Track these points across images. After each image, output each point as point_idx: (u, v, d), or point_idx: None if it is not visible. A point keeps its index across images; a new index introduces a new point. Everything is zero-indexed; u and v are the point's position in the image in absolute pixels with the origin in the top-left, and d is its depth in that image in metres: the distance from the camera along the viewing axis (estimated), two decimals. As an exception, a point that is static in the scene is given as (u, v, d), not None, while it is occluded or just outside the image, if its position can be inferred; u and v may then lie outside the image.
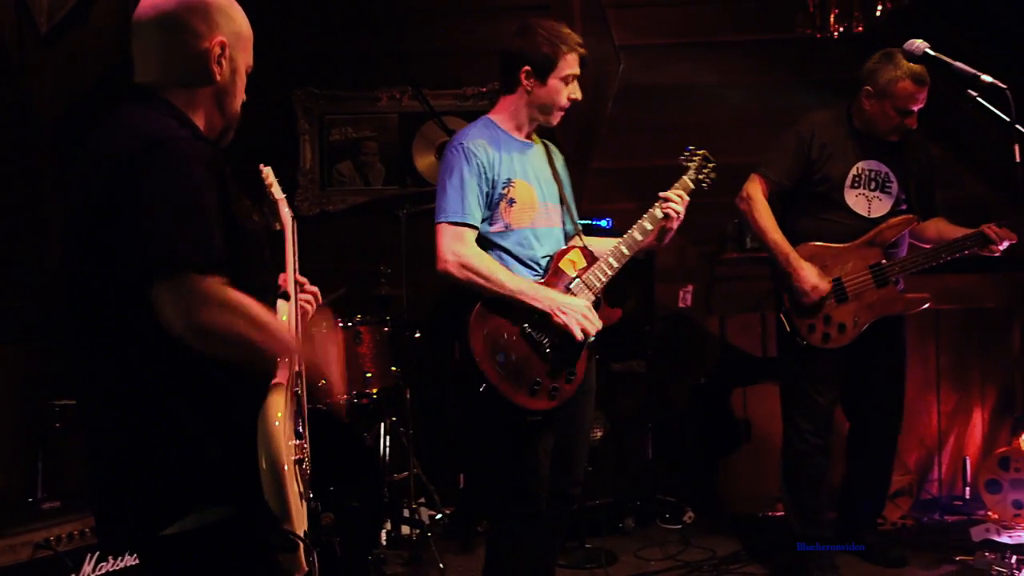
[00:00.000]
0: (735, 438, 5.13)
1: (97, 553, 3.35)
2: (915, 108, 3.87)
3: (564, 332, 3.17)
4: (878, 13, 4.66)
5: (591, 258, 3.37)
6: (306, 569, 1.94)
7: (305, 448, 2.07)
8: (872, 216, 4.04)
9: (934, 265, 4.04)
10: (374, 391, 4.43)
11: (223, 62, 2.02)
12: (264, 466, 1.78)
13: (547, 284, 3.26)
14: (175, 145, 1.82)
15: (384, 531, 4.62)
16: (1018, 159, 2.60)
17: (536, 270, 3.31)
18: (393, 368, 4.55)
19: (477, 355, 3.14)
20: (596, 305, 3.29)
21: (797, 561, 4.13)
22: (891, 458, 4.43)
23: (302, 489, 1.97)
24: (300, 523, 1.92)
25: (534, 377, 3.17)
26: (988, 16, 4.88)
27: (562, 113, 3.34)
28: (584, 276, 3.30)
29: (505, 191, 3.27)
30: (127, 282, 1.77)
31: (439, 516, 4.94)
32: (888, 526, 4.76)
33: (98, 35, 4.44)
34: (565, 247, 3.39)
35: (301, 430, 2.08)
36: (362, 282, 4.81)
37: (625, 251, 3.32)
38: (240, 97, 2.11)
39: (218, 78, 2.01)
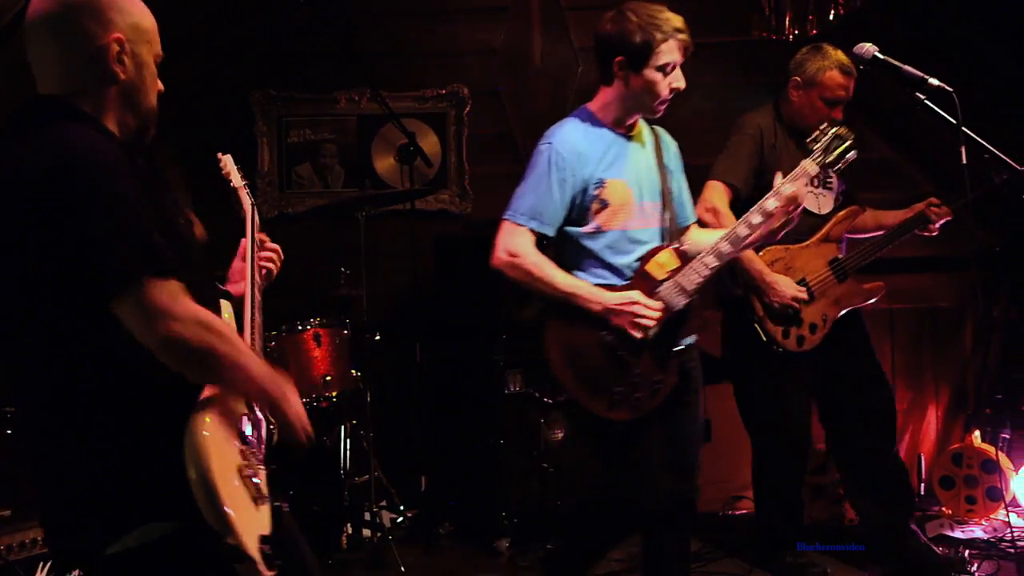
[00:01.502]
0: (696, 438, 5.14)
1: (50, 562, 3.31)
2: (842, 98, 3.88)
3: (646, 340, 2.98)
4: (831, 17, 4.73)
5: (684, 258, 3.10)
6: (268, 575, 1.85)
7: (258, 452, 2.03)
8: (822, 212, 4.08)
9: (884, 250, 4.05)
10: (334, 394, 4.43)
11: (124, 59, 1.92)
12: (193, 477, 1.72)
13: (632, 288, 3.04)
14: (88, 159, 1.75)
15: (345, 534, 4.59)
16: (964, 160, 2.63)
17: (626, 275, 3.09)
18: (353, 371, 4.55)
19: (554, 365, 3.03)
20: (689, 309, 3.07)
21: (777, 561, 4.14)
22: (897, 453, 4.36)
23: (255, 493, 1.92)
24: (250, 530, 1.83)
25: (612, 387, 2.98)
26: (936, 21, 4.95)
27: (664, 104, 3.09)
28: (675, 278, 3.05)
29: (597, 192, 3.06)
30: (61, 302, 1.74)
31: (400, 519, 4.93)
32: (846, 523, 4.78)
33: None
34: (655, 248, 3.12)
35: (252, 433, 2.02)
36: (321, 285, 4.81)
37: (726, 249, 3.04)
38: (153, 91, 2.02)
39: (122, 76, 1.92)
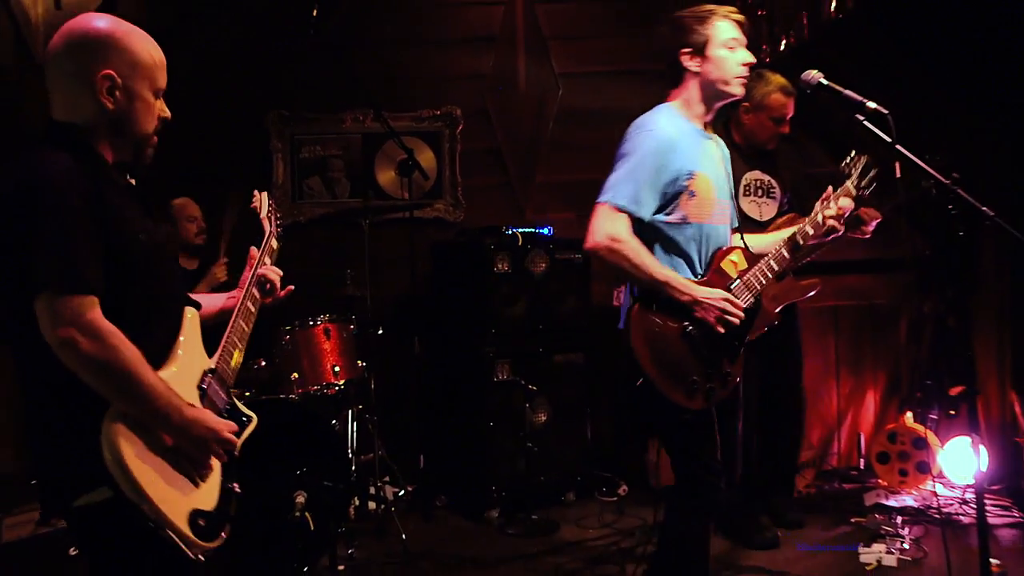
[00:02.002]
0: (663, 420, 5.17)
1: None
2: (786, 115, 4.09)
3: (721, 334, 2.83)
4: (782, 47, 4.81)
5: (752, 259, 2.98)
6: (192, 554, 1.91)
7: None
8: (763, 219, 4.18)
9: (819, 252, 4.09)
10: (342, 382, 4.42)
11: (116, 92, 1.97)
12: (108, 458, 1.81)
13: (707, 283, 2.89)
14: (42, 183, 1.84)
15: (352, 507, 4.62)
16: (898, 175, 2.68)
17: (697, 268, 2.93)
18: (359, 362, 4.54)
19: (637, 351, 2.81)
20: (755, 307, 2.94)
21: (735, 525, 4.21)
22: (799, 433, 4.52)
23: (191, 473, 1.97)
24: (177, 504, 1.89)
25: (691, 376, 2.81)
26: (873, 50, 5.04)
27: (741, 80, 2.91)
28: (745, 277, 2.93)
29: (687, 183, 2.87)
30: (16, 298, 1.85)
31: (401, 492, 4.96)
32: (796, 494, 4.84)
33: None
34: (727, 247, 2.99)
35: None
36: (330, 285, 4.80)
37: (786, 255, 2.96)
38: (147, 120, 2.05)
39: (110, 107, 1.97)
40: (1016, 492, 4.75)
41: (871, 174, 3.05)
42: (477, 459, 4.86)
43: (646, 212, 2.86)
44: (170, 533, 1.85)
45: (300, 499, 3.78)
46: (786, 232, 3.01)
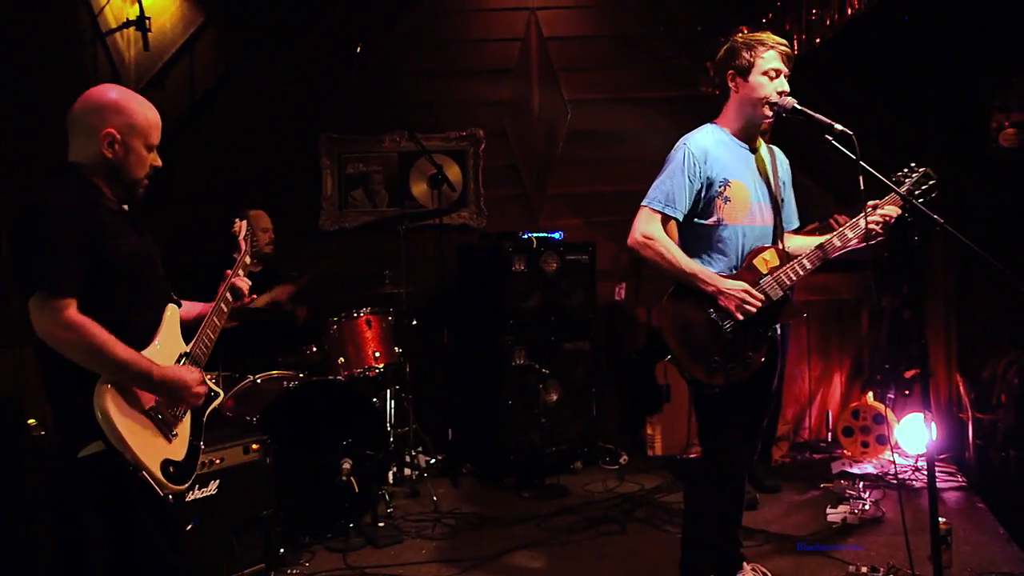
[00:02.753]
0: (658, 399, 5.15)
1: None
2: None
3: (746, 321, 2.79)
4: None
5: (785, 258, 2.91)
6: (161, 492, 2.15)
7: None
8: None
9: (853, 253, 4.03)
10: (381, 366, 4.44)
11: (115, 146, 2.23)
12: (99, 416, 2.06)
13: (738, 277, 2.85)
14: (43, 207, 2.09)
15: (391, 472, 4.66)
16: (862, 187, 2.65)
17: (732, 264, 2.89)
18: (396, 348, 4.56)
19: (666, 332, 2.84)
20: (783, 301, 2.87)
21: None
22: (776, 410, 4.50)
23: (164, 430, 2.21)
24: (152, 454, 2.14)
25: (712, 357, 2.79)
26: (836, 80, 5.05)
27: (769, 108, 2.83)
28: (775, 274, 2.86)
29: (722, 189, 2.86)
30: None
31: (432, 460, 4.98)
32: (773, 463, 4.86)
33: (169, 98, 4.45)
34: (761, 246, 2.92)
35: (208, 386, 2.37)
36: (371, 282, 4.83)
37: (823, 255, 2.88)
38: (138, 168, 2.28)
39: (109, 156, 2.23)
40: (961, 461, 4.73)
41: (930, 183, 2.85)
42: (497, 432, 4.86)
43: (679, 212, 2.87)
44: (144, 475, 2.11)
45: (346, 465, 3.82)
46: (823, 237, 2.91)
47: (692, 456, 4.98)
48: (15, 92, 3.62)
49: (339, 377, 4.22)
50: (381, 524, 4.01)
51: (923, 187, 2.85)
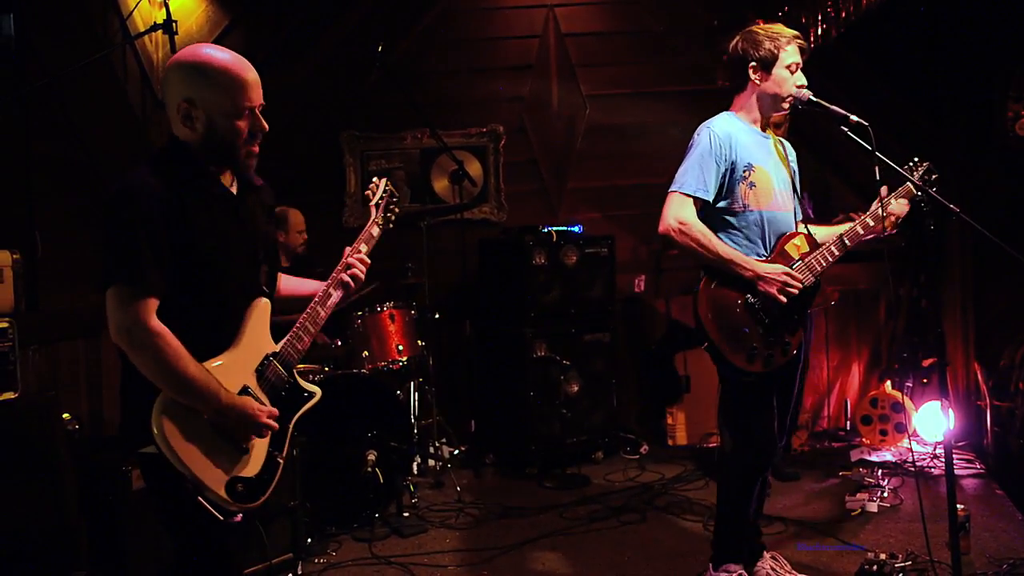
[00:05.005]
0: (678, 389, 5.15)
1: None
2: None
3: (782, 307, 2.74)
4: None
5: (814, 244, 2.88)
6: (222, 517, 1.87)
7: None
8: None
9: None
10: (405, 359, 4.43)
11: (193, 119, 1.90)
12: (155, 432, 1.81)
13: (771, 263, 2.80)
14: (125, 194, 1.84)
15: (415, 463, 4.67)
16: (878, 177, 2.64)
17: (763, 250, 2.85)
18: (419, 342, 4.56)
19: (703, 318, 2.77)
20: (815, 287, 2.84)
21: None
22: (798, 399, 4.43)
23: (234, 444, 1.91)
24: (214, 471, 1.86)
25: (751, 343, 2.74)
26: (852, 71, 4.99)
27: (790, 101, 2.83)
28: (807, 260, 2.82)
29: (746, 174, 2.82)
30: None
31: (456, 452, 4.98)
32: (792, 451, 4.82)
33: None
34: (791, 232, 2.89)
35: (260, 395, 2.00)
36: (394, 276, 4.82)
37: (847, 242, 2.85)
38: (230, 137, 1.93)
39: (189, 131, 1.91)
40: (978, 448, 4.70)
41: (933, 177, 2.87)
42: (519, 423, 4.85)
43: (711, 195, 2.80)
44: (202, 500, 1.84)
45: (371, 457, 3.83)
46: (846, 226, 2.90)
47: (712, 445, 4.95)
48: (49, 98, 3.66)
49: (363, 370, 4.23)
50: (406, 514, 4.03)
51: (928, 179, 2.86)
